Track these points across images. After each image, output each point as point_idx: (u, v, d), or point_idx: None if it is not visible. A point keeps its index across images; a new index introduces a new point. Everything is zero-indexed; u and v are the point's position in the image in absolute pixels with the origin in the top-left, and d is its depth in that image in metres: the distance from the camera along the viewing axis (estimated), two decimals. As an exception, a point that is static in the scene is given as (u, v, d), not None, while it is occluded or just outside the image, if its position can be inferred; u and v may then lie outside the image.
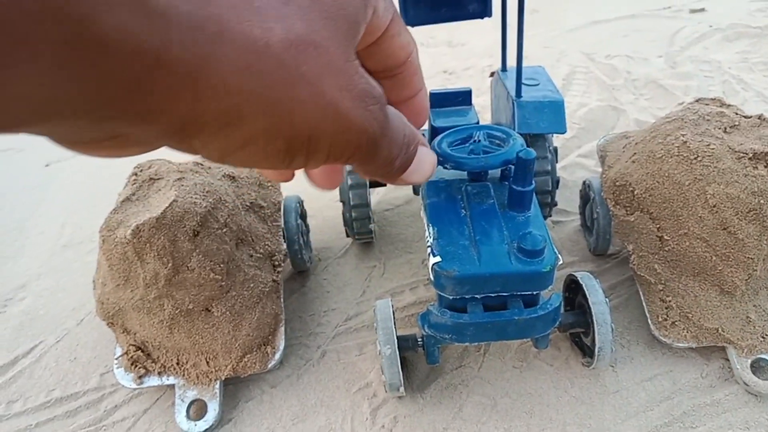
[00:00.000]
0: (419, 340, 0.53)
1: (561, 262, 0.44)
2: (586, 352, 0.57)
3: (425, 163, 0.30)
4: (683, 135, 0.56)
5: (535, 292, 0.44)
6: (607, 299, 0.52)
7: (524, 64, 0.59)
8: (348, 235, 0.70)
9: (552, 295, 0.46)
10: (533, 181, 0.45)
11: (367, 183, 0.64)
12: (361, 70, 0.24)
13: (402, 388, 0.51)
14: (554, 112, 0.59)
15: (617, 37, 1.14)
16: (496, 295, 0.43)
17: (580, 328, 0.56)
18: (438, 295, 0.45)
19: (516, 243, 0.42)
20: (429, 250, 0.44)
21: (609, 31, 1.16)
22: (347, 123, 0.23)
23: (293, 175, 0.30)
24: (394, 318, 0.52)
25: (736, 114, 0.58)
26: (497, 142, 0.47)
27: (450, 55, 1.16)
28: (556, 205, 0.67)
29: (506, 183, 0.47)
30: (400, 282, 0.68)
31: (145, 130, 0.19)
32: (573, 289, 0.58)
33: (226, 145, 0.21)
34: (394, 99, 0.31)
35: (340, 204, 0.67)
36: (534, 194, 0.46)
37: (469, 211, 0.46)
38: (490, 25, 0.59)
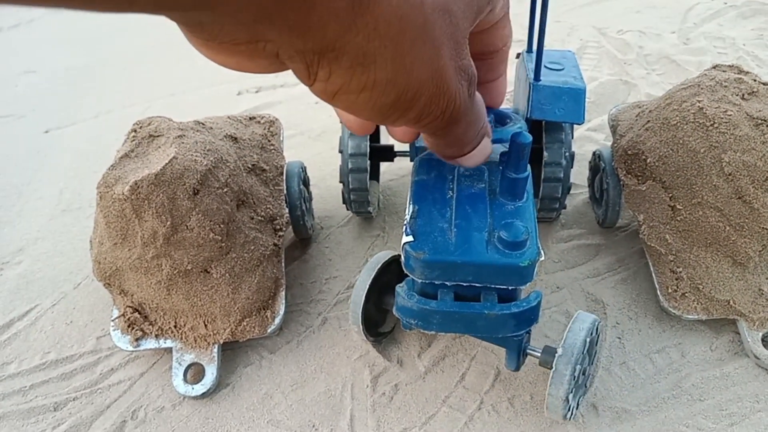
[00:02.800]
0: None
1: (543, 258, 0.40)
2: None
3: (483, 151, 0.33)
4: (699, 101, 0.54)
5: (511, 287, 0.40)
6: (583, 348, 0.44)
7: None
8: (348, 209, 0.69)
9: (531, 293, 0.42)
10: (528, 168, 0.41)
11: (368, 168, 0.62)
12: (468, 48, 0.25)
13: (362, 332, 0.53)
14: (573, 100, 0.55)
15: (630, 13, 1.11)
16: (468, 285, 0.40)
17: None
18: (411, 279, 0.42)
19: (497, 232, 0.39)
20: (404, 227, 0.40)
21: (622, 7, 1.14)
22: (444, 87, 0.24)
23: (373, 126, 0.33)
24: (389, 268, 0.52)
25: (755, 81, 0.56)
26: (499, 126, 0.44)
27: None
28: (564, 208, 0.64)
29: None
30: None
31: (287, 43, 0.20)
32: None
33: (348, 83, 0.21)
34: (480, 79, 0.33)
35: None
36: (529, 183, 0.42)
37: (456, 193, 0.42)
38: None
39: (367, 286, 0.51)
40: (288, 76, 1.04)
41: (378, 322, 0.56)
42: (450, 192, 0.42)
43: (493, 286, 0.40)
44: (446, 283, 0.40)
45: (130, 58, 1.19)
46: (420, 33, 0.21)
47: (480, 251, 0.38)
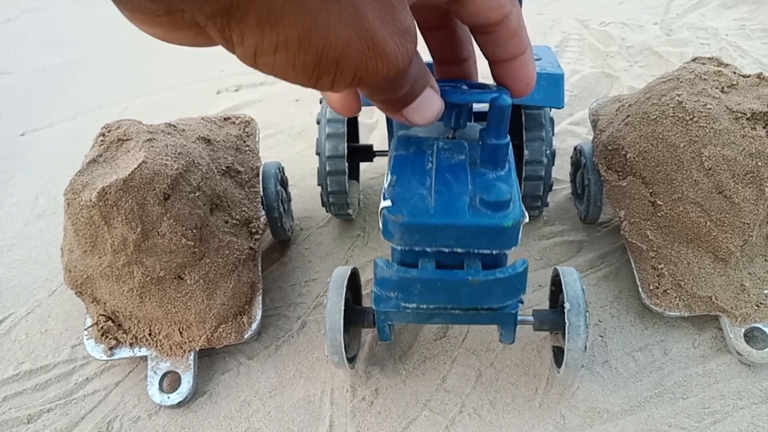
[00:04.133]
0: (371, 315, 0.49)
1: (527, 220, 0.39)
2: (560, 357, 0.49)
3: (430, 104, 0.31)
4: (679, 95, 0.54)
5: (495, 252, 0.38)
6: (584, 295, 0.46)
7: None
8: (327, 211, 0.67)
9: (517, 260, 0.40)
10: (507, 135, 0.39)
11: (346, 170, 0.60)
12: (408, 9, 0.25)
13: (344, 361, 0.48)
14: (553, 85, 0.55)
15: (612, 4, 1.11)
16: (450, 251, 0.38)
17: (556, 329, 0.50)
18: (391, 250, 0.40)
19: (479, 195, 0.37)
20: (382, 194, 0.38)
21: (604, -1, 1.13)
22: (381, 53, 0.23)
23: (359, 107, 0.33)
24: (348, 285, 0.49)
25: (734, 73, 0.56)
26: (477, 90, 0.43)
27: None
28: (546, 205, 0.64)
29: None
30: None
31: (197, 8, 0.20)
32: (558, 285, 0.51)
33: (261, 43, 0.21)
34: (489, 56, 0.33)
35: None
36: (509, 150, 0.40)
37: (436, 164, 0.40)
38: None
39: (342, 310, 0.47)
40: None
41: (347, 346, 0.50)
42: (429, 164, 0.40)
43: (476, 251, 0.38)
44: (427, 249, 0.38)
45: (107, 57, 1.17)
46: None
47: (461, 213, 0.36)
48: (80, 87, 1.09)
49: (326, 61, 0.22)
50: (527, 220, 0.39)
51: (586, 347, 0.46)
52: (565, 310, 0.46)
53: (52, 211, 0.79)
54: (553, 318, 0.49)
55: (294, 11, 0.20)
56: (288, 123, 0.89)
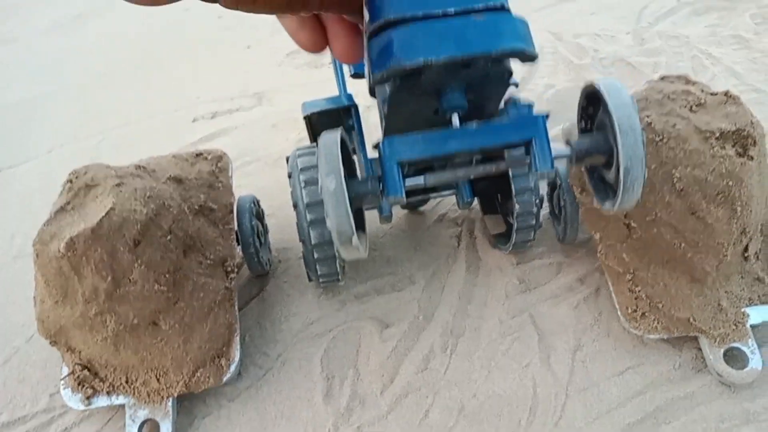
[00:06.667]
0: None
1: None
2: (608, 192, 0.41)
3: None
4: (648, 116, 0.54)
5: None
6: (633, 99, 0.36)
7: None
8: (310, 279, 0.60)
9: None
10: None
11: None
12: None
13: (356, 239, 0.35)
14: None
15: (585, 15, 1.11)
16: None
17: (600, 153, 0.39)
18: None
19: None
20: None
21: (577, 9, 1.13)
22: None
23: (324, 44, 0.32)
24: (342, 149, 0.37)
25: (702, 91, 0.56)
26: None
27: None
28: (540, 226, 0.63)
29: None
30: (364, 282, 0.65)
31: None
32: (590, 115, 0.42)
33: None
34: None
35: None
36: None
37: None
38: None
39: (344, 187, 0.35)
40: (244, 100, 1.03)
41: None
42: None
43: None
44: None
45: (81, 87, 1.16)
46: None
47: None
48: (56, 119, 1.08)
49: None
50: None
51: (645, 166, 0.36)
52: (614, 116, 0.36)
53: (28, 252, 0.77)
54: (596, 142, 0.39)
55: None
56: (265, 150, 0.89)
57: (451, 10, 0.31)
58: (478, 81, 0.36)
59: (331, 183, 0.34)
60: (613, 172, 0.39)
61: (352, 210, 0.35)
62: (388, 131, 0.41)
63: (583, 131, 0.43)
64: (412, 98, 0.36)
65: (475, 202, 0.72)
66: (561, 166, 0.64)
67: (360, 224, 0.39)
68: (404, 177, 0.36)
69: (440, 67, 0.31)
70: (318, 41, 0.32)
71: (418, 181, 0.39)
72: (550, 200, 0.69)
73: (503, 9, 0.32)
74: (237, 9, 0.25)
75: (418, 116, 0.39)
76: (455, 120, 0.36)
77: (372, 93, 0.39)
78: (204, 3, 0.25)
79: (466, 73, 0.34)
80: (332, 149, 0.35)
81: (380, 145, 0.36)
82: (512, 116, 0.36)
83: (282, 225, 0.74)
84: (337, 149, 0.35)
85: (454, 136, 0.36)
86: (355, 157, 0.51)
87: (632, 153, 0.36)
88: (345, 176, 0.35)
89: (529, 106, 0.37)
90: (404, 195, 0.35)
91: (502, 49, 0.31)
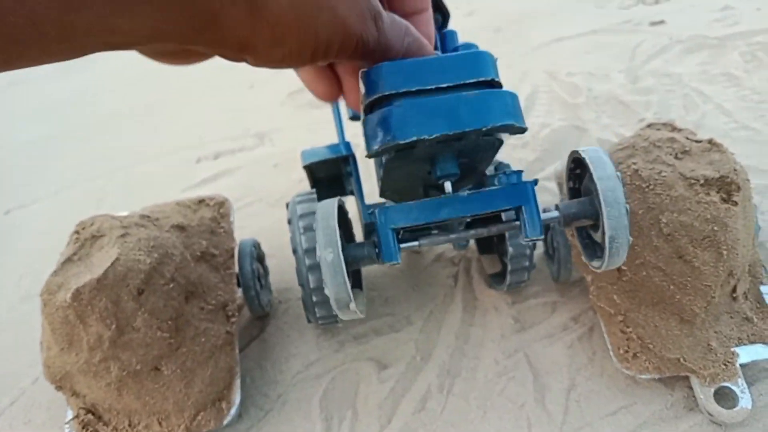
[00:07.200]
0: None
1: None
2: (596, 249, 0.44)
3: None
4: (634, 163, 0.56)
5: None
6: (618, 174, 0.39)
7: None
8: (309, 321, 0.60)
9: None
10: None
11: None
12: None
13: (353, 305, 0.38)
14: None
15: (579, 54, 1.14)
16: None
17: (587, 218, 0.42)
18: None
19: None
20: None
21: (572, 48, 1.16)
22: (349, 32, 0.29)
23: (338, 93, 0.38)
24: (339, 218, 0.39)
25: (687, 139, 0.58)
26: None
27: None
28: (534, 267, 0.63)
29: None
30: (363, 323, 0.67)
31: (212, 50, 0.27)
32: (577, 175, 0.45)
33: (271, 58, 0.28)
34: (398, 12, 0.36)
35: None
36: None
37: None
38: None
39: (342, 259, 0.37)
40: (246, 140, 1.05)
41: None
42: None
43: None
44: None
45: (89, 128, 1.19)
46: (311, 9, 0.27)
47: None
48: (64, 160, 1.11)
49: (318, 51, 0.28)
50: None
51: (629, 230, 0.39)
52: (599, 188, 0.38)
53: (36, 293, 0.79)
54: (582, 207, 0.42)
55: (293, 33, 0.26)
56: (267, 190, 0.91)
57: (444, 85, 0.34)
58: (469, 149, 0.38)
59: (329, 255, 0.37)
60: (599, 235, 0.42)
61: (349, 274, 0.38)
62: (384, 188, 0.44)
63: (570, 189, 0.47)
64: (407, 164, 0.38)
65: (472, 242, 0.74)
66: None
67: (357, 283, 0.41)
68: (399, 242, 0.38)
69: (433, 141, 0.33)
70: (332, 92, 0.37)
71: (413, 244, 0.41)
72: (544, 241, 0.70)
73: (493, 83, 0.35)
74: (264, 67, 0.28)
75: (414, 177, 0.42)
76: (448, 187, 0.39)
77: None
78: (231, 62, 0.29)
79: (458, 144, 0.36)
80: (329, 222, 0.38)
81: (375, 212, 0.38)
82: (502, 183, 0.39)
83: (282, 265, 0.76)
84: (334, 221, 0.38)
85: (446, 203, 0.38)
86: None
87: (617, 223, 0.38)
88: (343, 244, 0.38)
89: (518, 173, 0.39)
90: (399, 260, 0.37)
91: (492, 124, 0.34)
